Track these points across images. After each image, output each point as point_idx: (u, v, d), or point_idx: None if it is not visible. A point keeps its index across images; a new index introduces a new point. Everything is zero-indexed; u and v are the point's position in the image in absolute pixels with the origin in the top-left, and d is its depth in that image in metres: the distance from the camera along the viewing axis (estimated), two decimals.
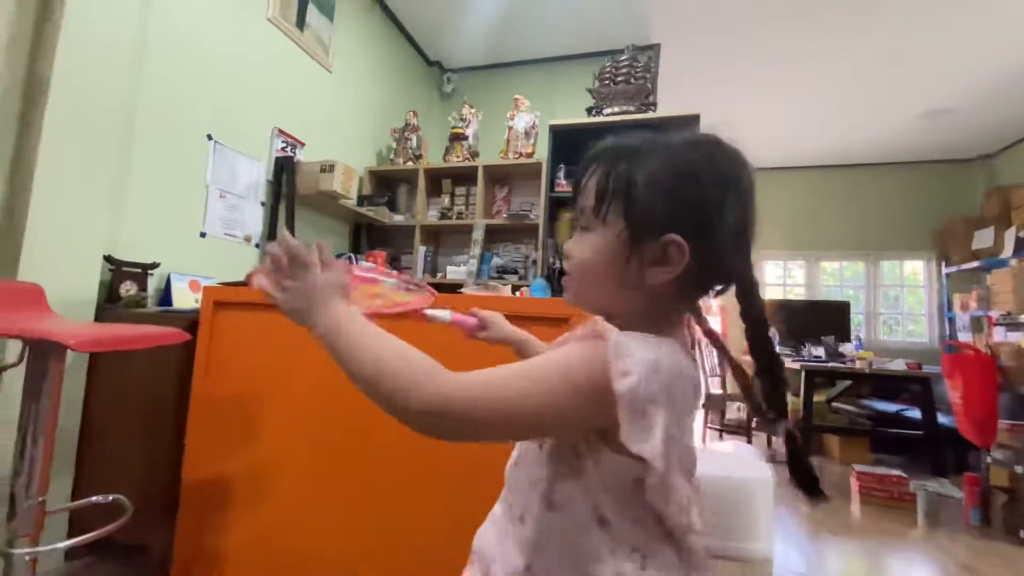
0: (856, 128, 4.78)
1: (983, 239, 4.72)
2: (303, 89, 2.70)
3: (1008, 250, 4.36)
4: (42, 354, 1.00)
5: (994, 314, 2.85)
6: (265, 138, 2.46)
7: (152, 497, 1.51)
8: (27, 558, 0.96)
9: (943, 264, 5.21)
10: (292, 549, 1.40)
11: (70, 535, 1.60)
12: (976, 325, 4.90)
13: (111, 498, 1.21)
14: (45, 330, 0.91)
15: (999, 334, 4.06)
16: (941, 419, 3.50)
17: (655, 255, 0.50)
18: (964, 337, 4.93)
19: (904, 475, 2.71)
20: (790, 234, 5.79)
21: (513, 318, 1.28)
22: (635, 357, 0.45)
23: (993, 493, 2.51)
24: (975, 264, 4.75)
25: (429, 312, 0.79)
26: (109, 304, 1.74)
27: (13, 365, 1.00)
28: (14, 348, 1.46)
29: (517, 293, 1.39)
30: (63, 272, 1.56)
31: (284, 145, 2.54)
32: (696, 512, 0.48)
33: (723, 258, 0.51)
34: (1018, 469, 2.30)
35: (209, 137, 2.14)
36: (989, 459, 2.53)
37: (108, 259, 1.74)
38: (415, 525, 1.30)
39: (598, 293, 0.54)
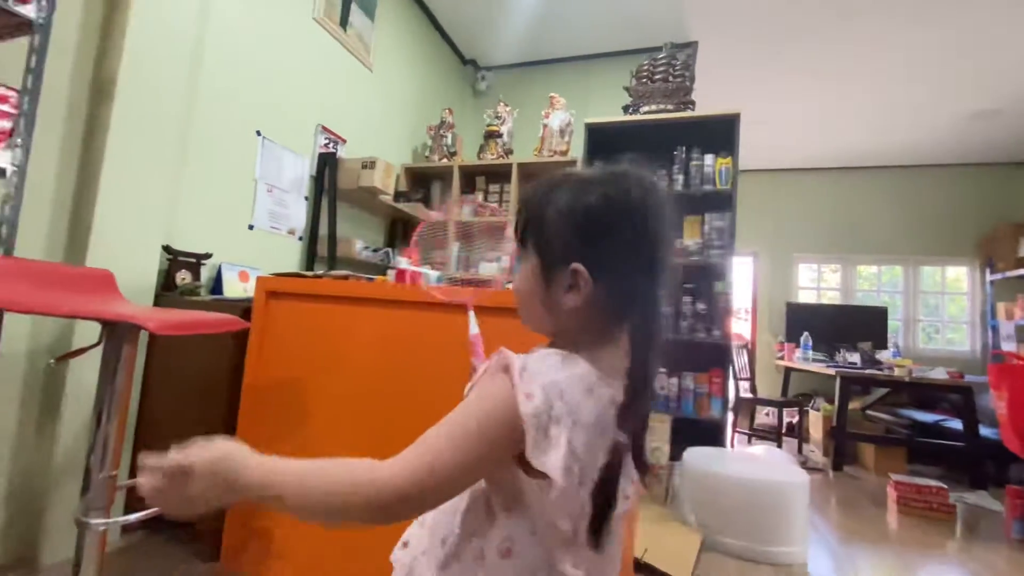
0: (898, 129, 4.64)
1: None
2: (345, 87, 2.77)
3: None
4: (118, 336, 1.06)
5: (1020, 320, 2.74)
6: (309, 135, 2.53)
7: None
8: (100, 528, 1.02)
9: (987, 271, 5.03)
10: (338, 532, 1.46)
11: (126, 512, 1.70)
12: (1021, 334, 4.72)
13: None
14: (126, 313, 0.97)
15: None
16: (983, 431, 3.40)
17: (568, 282, 0.54)
18: (1008, 347, 4.75)
19: (944, 486, 2.63)
20: (825, 236, 5.66)
21: None
22: (537, 382, 0.49)
23: None
24: (1022, 271, 4.58)
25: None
26: (166, 291, 1.83)
27: (94, 346, 1.07)
28: (81, 330, 1.55)
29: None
30: (126, 260, 1.65)
31: (327, 141, 2.61)
32: (585, 532, 0.51)
33: (626, 282, 0.54)
34: None
35: (258, 133, 2.22)
36: None
37: (166, 249, 1.83)
38: None
39: (532, 316, 0.60)
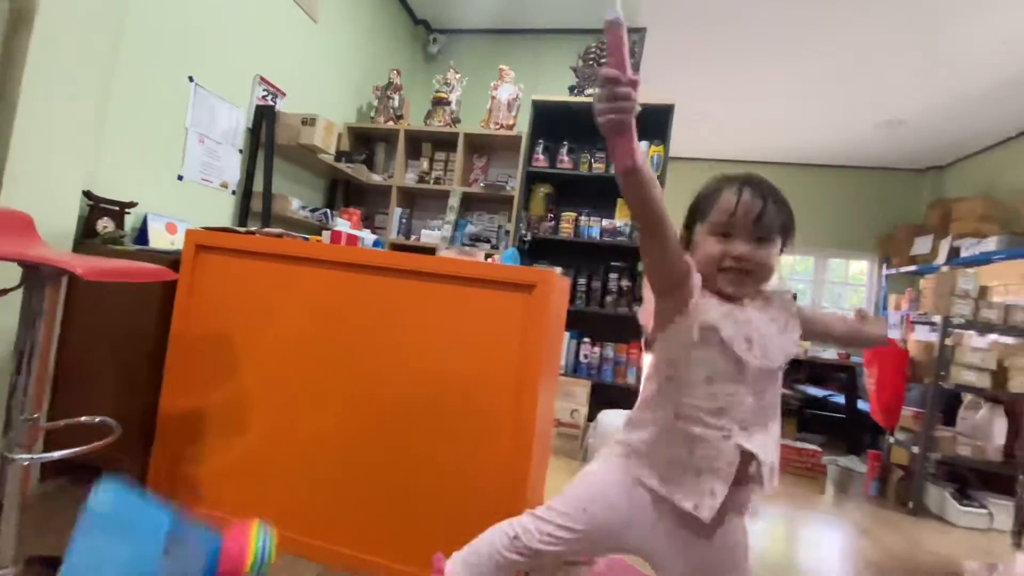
0: (817, 130, 5.02)
1: (921, 246, 5.10)
2: (287, 38, 2.67)
3: (942, 257, 4.74)
4: (41, 280, 1.06)
5: (912, 314, 3.16)
6: (246, 85, 2.45)
7: (128, 425, 1.59)
8: (24, 463, 1.05)
9: (884, 266, 5.61)
10: (265, 480, 1.53)
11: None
12: (910, 325, 5.36)
13: (98, 419, 1.29)
14: (51, 257, 0.98)
15: (922, 333, 4.47)
16: (861, 405, 3.89)
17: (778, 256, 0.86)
18: (894, 334, 5.38)
19: (819, 450, 3.03)
20: None
21: (481, 281, 1.42)
22: None
23: (892, 470, 2.85)
24: (912, 268, 5.15)
25: None
26: (87, 239, 1.77)
27: (15, 288, 1.06)
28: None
29: (489, 260, 1.52)
30: (43, 203, 1.58)
31: (265, 93, 2.54)
32: None
33: None
34: (914, 449, 2.62)
35: (190, 79, 2.13)
36: (891, 440, 2.87)
37: (87, 195, 1.76)
38: (389, 456, 1.44)
39: (766, 280, 0.84)
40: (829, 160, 5.73)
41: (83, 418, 1.30)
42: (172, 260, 1.62)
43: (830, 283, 6.08)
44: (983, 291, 2.63)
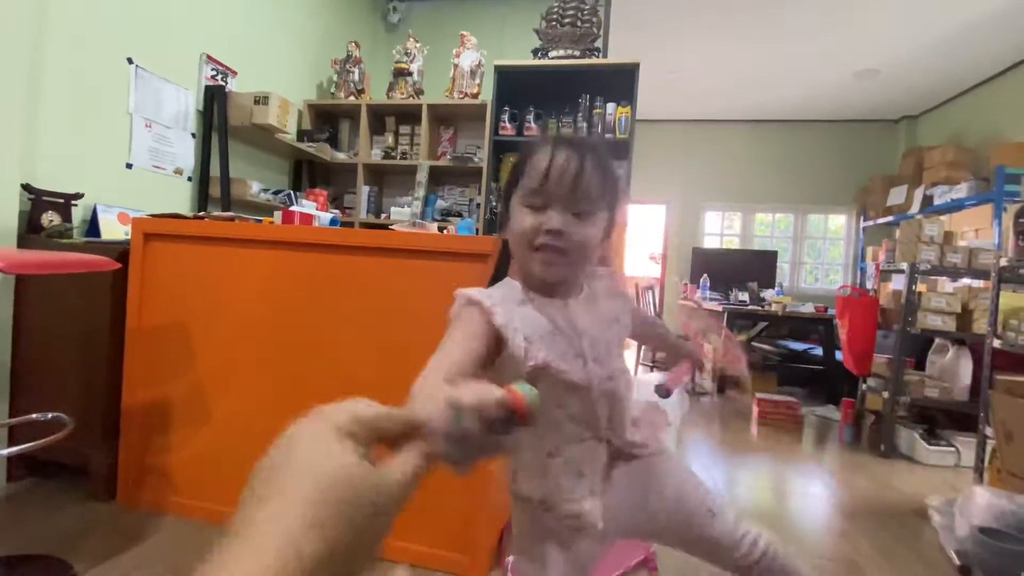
0: (791, 85, 4.97)
1: (896, 196, 5.13)
2: (235, 13, 2.55)
3: (916, 207, 4.78)
4: None
5: (881, 263, 3.20)
6: (193, 65, 2.35)
7: (92, 421, 1.58)
8: None
9: (861, 219, 5.64)
10: (236, 463, 1.52)
11: (10, 456, 1.66)
12: (883, 275, 5.44)
13: (50, 415, 1.28)
14: None
15: (897, 282, 4.54)
16: (839, 356, 3.96)
17: (610, 232, 0.74)
18: (871, 285, 5.46)
19: (796, 401, 3.10)
20: (729, 187, 6.06)
21: (434, 253, 1.40)
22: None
23: (865, 415, 2.93)
24: (889, 219, 5.19)
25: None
26: (31, 234, 1.71)
27: None
28: None
29: (444, 231, 1.49)
30: None
31: (214, 73, 2.44)
32: None
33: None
34: (885, 395, 2.69)
35: (130, 61, 2.04)
36: (864, 386, 2.93)
37: (26, 188, 1.69)
38: None
39: (585, 262, 0.70)
40: (804, 115, 5.70)
41: (35, 415, 1.28)
42: (121, 250, 1.58)
43: (810, 239, 6.12)
44: (948, 236, 2.65)
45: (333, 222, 1.77)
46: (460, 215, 3.08)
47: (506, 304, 0.63)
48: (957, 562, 1.57)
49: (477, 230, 2.83)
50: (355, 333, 1.45)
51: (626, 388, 0.73)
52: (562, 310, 0.68)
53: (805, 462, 2.62)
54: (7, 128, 1.59)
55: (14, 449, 1.06)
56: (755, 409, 3.18)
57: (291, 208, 1.68)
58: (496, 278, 0.83)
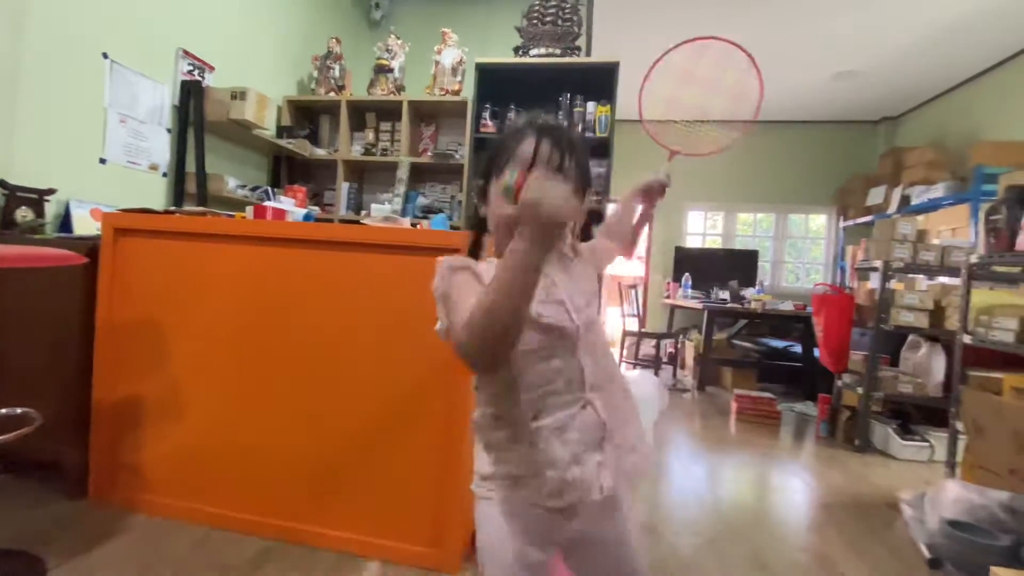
0: (771, 86, 5.00)
1: (875, 196, 5.21)
2: (212, 7, 2.53)
3: (894, 207, 4.86)
4: None
5: (853, 260, 3.25)
6: (169, 59, 2.32)
7: (63, 416, 1.55)
8: None
9: (841, 218, 5.73)
10: (207, 461, 1.52)
11: None
12: (862, 274, 5.53)
13: (19, 411, 1.26)
14: None
15: (875, 281, 4.62)
16: (816, 353, 4.02)
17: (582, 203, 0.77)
18: (852, 284, 5.55)
19: (773, 397, 3.14)
20: (712, 186, 6.11)
21: (407, 248, 1.40)
22: None
23: (841, 411, 2.97)
24: (868, 219, 5.27)
25: None
26: (4, 230, 1.69)
27: None
28: None
29: (417, 227, 1.49)
30: None
31: (191, 68, 2.41)
32: None
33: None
34: (859, 390, 2.74)
35: (105, 56, 2.01)
36: (840, 383, 2.98)
37: (0, 184, 1.67)
38: (329, 432, 1.44)
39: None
40: (785, 116, 5.77)
41: (3, 410, 1.26)
42: (91, 246, 1.56)
43: (791, 238, 6.20)
44: (921, 235, 2.70)
45: (307, 217, 1.76)
46: (441, 212, 3.08)
47: (489, 269, 0.67)
48: (928, 555, 1.61)
49: (457, 227, 2.84)
50: (327, 327, 1.45)
51: (604, 344, 0.75)
52: None
53: (781, 457, 2.66)
54: None
55: None
56: (734, 405, 3.22)
57: (265, 204, 1.66)
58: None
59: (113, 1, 2.02)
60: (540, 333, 0.67)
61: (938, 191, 4.17)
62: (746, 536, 1.74)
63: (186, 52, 2.39)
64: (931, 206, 4.25)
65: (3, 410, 1.30)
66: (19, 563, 1.25)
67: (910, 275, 3.15)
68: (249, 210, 1.60)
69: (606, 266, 0.92)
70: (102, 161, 2.05)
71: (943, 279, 3.06)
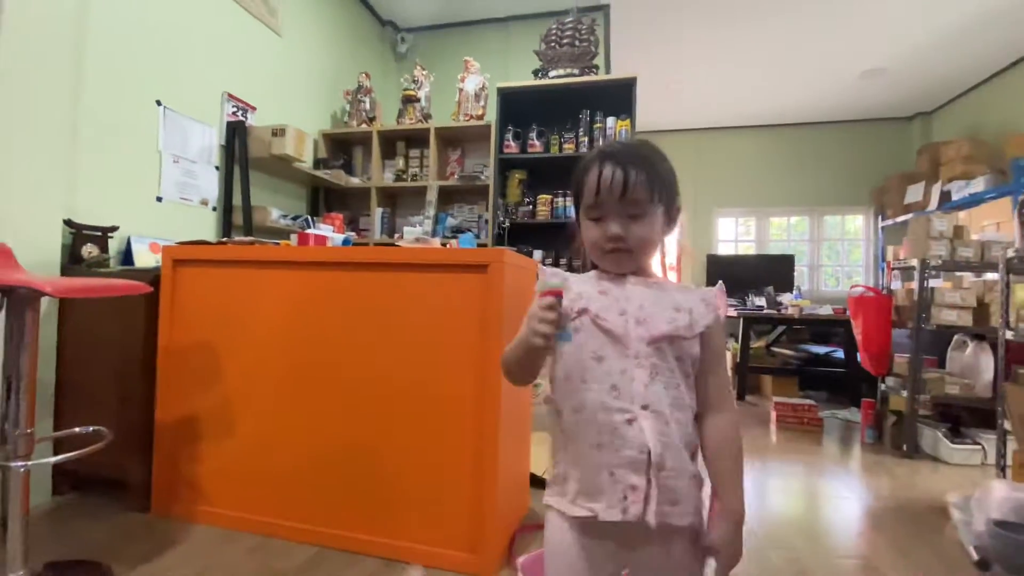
0: (799, 88, 4.98)
1: (914, 194, 5.05)
2: (251, 53, 2.74)
3: (933, 204, 4.70)
4: (20, 302, 1.15)
5: (892, 261, 3.16)
6: (215, 103, 2.52)
7: (128, 437, 1.69)
8: (21, 470, 1.14)
9: (879, 218, 5.57)
10: (261, 473, 1.62)
11: (55, 472, 1.79)
12: (906, 275, 5.33)
13: (91, 429, 1.39)
14: (23, 279, 1.06)
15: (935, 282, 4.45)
16: (860, 357, 3.90)
17: (670, 228, 0.79)
18: (895, 285, 5.35)
19: (814, 404, 3.06)
20: (742, 191, 6.05)
21: (438, 267, 1.48)
22: None
23: (887, 416, 2.88)
24: (908, 217, 5.11)
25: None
26: (73, 265, 1.86)
27: None
28: None
29: (447, 245, 1.58)
30: (25, 235, 1.67)
31: (235, 110, 2.61)
32: None
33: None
34: (903, 394, 2.65)
35: (158, 103, 2.21)
36: (883, 386, 2.89)
37: (68, 223, 1.85)
38: (372, 444, 1.52)
39: (650, 255, 0.78)
40: (813, 118, 5.68)
41: (76, 428, 1.39)
42: (153, 276, 1.71)
43: (827, 240, 6.04)
44: (958, 231, 2.63)
45: (346, 242, 1.88)
46: (470, 231, 3.18)
47: (579, 282, 0.76)
48: (975, 556, 1.55)
49: (486, 244, 2.93)
50: (368, 343, 1.54)
51: (678, 383, 0.71)
52: (619, 281, 0.75)
53: (824, 464, 2.59)
54: (51, 169, 1.75)
55: (60, 457, 1.17)
56: (773, 414, 3.16)
57: (307, 232, 1.78)
58: None
59: (164, 52, 2.23)
60: (597, 335, 0.70)
61: (978, 185, 4.03)
62: (787, 543, 1.71)
63: (230, 95, 2.59)
64: (973, 201, 4.10)
65: (76, 428, 1.43)
66: (89, 573, 1.35)
67: (957, 273, 3.05)
68: (293, 238, 1.72)
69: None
70: (159, 199, 2.24)
71: (990, 275, 2.95)
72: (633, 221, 0.71)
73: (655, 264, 0.79)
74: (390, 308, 1.52)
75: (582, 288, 0.73)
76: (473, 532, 1.41)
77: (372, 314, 1.53)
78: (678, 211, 0.77)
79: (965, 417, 2.71)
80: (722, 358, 0.77)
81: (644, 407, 0.67)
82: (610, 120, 2.89)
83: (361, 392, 1.53)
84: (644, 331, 0.69)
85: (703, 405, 0.74)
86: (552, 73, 3.03)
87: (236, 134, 2.53)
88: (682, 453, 0.68)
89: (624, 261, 0.73)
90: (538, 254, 3.05)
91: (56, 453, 1.68)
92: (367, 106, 3.40)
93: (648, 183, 0.71)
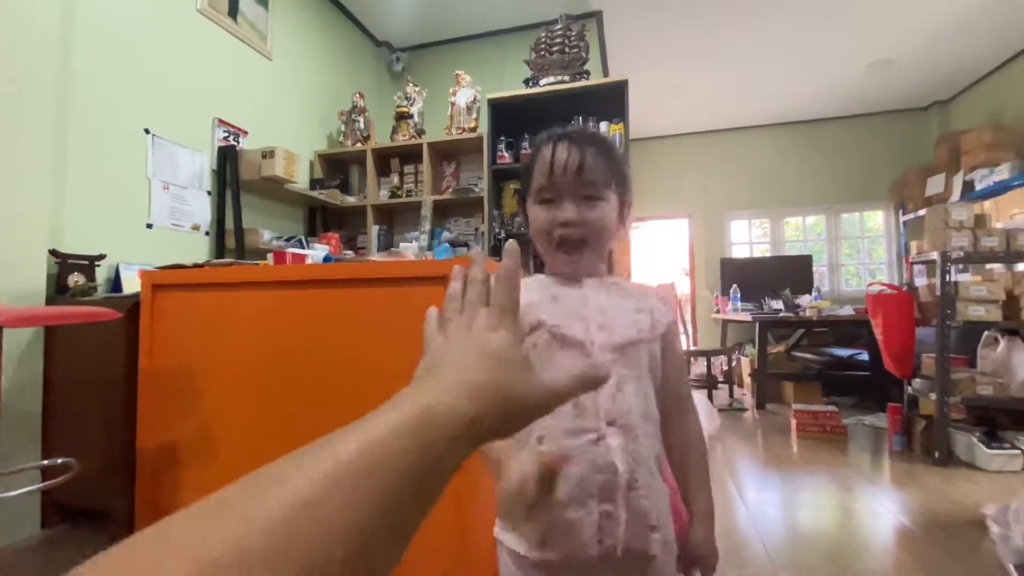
0: (806, 84, 4.85)
1: (935, 185, 4.84)
2: (242, 78, 2.76)
3: (956, 195, 4.50)
4: None
5: (913, 255, 3.00)
6: (206, 129, 2.54)
7: (113, 465, 1.66)
8: None
9: (900, 213, 5.35)
10: None
11: (44, 504, 1.77)
12: (931, 269, 5.09)
13: (59, 461, 1.35)
14: None
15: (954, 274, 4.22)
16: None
17: (624, 215, 0.75)
18: (920, 281, 5.10)
19: (835, 410, 2.89)
20: (753, 193, 5.90)
21: (410, 280, 1.42)
22: None
23: (915, 421, 2.69)
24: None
25: None
26: (59, 295, 1.86)
27: None
28: None
29: (423, 257, 1.52)
30: (8, 267, 1.68)
31: (226, 134, 2.63)
32: None
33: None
34: (932, 396, 2.47)
35: (147, 131, 2.23)
36: (910, 389, 2.71)
37: (53, 253, 1.85)
38: None
39: (604, 244, 0.71)
40: (823, 114, 5.53)
41: (45, 461, 1.36)
42: (132, 303, 1.69)
43: (845, 238, 5.83)
44: (980, 220, 2.47)
45: (326, 259, 1.84)
46: (467, 244, 3.12)
47: (529, 284, 0.70)
48: (1015, 575, 1.40)
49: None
50: (347, 359, 1.48)
51: (643, 388, 0.65)
52: (574, 284, 0.69)
53: (848, 474, 2.42)
54: (35, 199, 1.76)
55: (13, 493, 1.13)
56: (793, 422, 2.99)
57: (286, 251, 1.75)
58: None
59: (152, 78, 2.25)
60: (556, 348, 0.64)
61: (1003, 172, 3.83)
62: (806, 564, 1.58)
63: (221, 120, 2.60)
64: (998, 189, 3.90)
65: (44, 461, 1.40)
66: None
67: (986, 266, 2.87)
68: (270, 256, 1.69)
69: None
70: (149, 226, 2.24)
71: (1021, 266, 2.78)
72: (587, 205, 0.66)
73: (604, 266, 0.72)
74: (367, 323, 1.46)
75: (530, 297, 0.66)
76: (457, 548, 1.32)
77: (349, 330, 1.48)
78: (630, 208, 0.71)
79: (1001, 419, 2.52)
80: (681, 357, 0.73)
81: (611, 423, 0.61)
82: (603, 124, 2.82)
83: (344, 410, 1.46)
84: (607, 337, 0.64)
85: (666, 407, 0.69)
86: (543, 81, 2.99)
87: (227, 158, 2.53)
88: (652, 468, 0.64)
89: (576, 257, 0.67)
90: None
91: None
92: (361, 125, 3.41)
93: (605, 165, 0.67)
